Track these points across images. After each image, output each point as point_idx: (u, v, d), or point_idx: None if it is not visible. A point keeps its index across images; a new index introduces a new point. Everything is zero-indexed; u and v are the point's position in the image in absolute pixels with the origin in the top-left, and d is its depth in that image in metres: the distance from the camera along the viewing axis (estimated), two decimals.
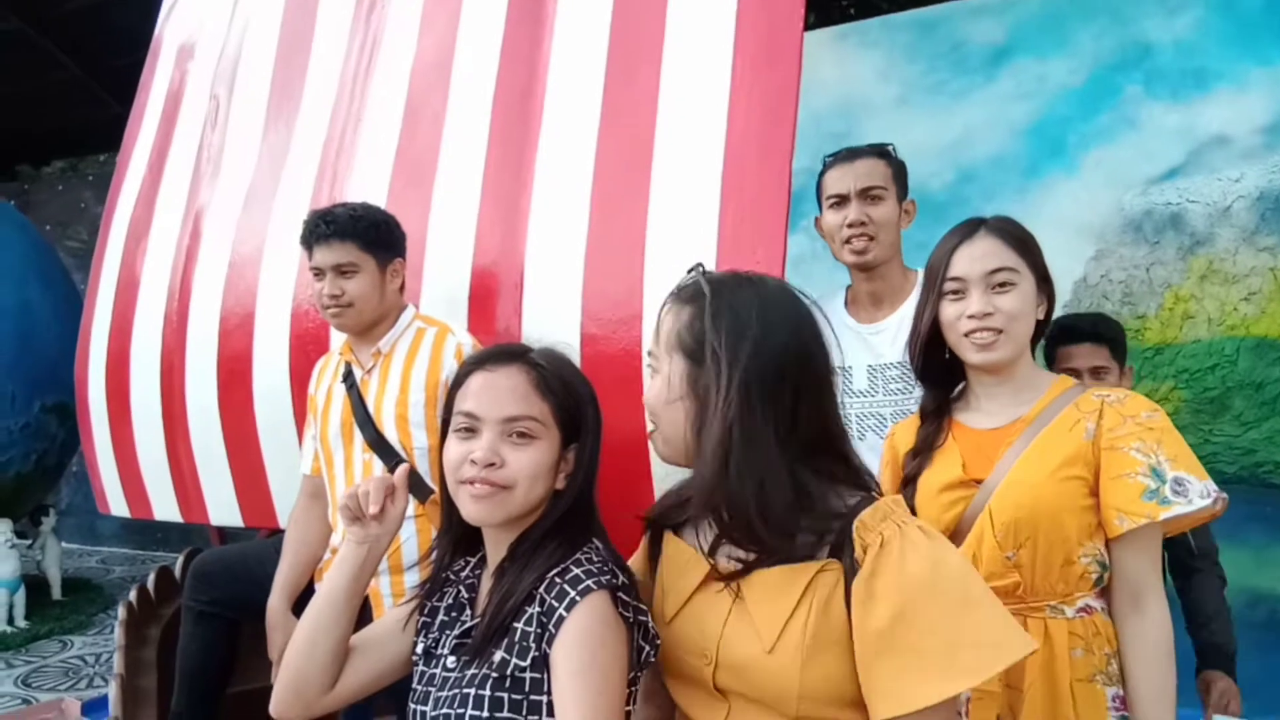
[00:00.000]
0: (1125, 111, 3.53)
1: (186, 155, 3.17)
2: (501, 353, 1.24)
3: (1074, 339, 2.20)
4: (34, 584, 5.17)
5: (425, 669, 1.22)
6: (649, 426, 1.18)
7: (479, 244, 2.38)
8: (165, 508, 2.95)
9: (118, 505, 3.25)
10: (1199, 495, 1.38)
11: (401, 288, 2.19)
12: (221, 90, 3.10)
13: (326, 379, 2.23)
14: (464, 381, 1.22)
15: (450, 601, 1.26)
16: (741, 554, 1.08)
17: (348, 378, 2.15)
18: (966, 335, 1.51)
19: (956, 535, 1.53)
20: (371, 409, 2.09)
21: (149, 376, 3.03)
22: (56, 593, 5.46)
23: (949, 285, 1.54)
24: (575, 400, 1.23)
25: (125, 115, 3.57)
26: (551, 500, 1.22)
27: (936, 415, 1.65)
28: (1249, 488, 3.26)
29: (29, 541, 5.41)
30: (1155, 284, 3.49)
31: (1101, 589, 1.50)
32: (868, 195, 2.07)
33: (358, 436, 2.11)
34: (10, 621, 4.93)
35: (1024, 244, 1.54)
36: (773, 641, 1.03)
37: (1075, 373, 2.13)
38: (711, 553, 1.11)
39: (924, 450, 1.63)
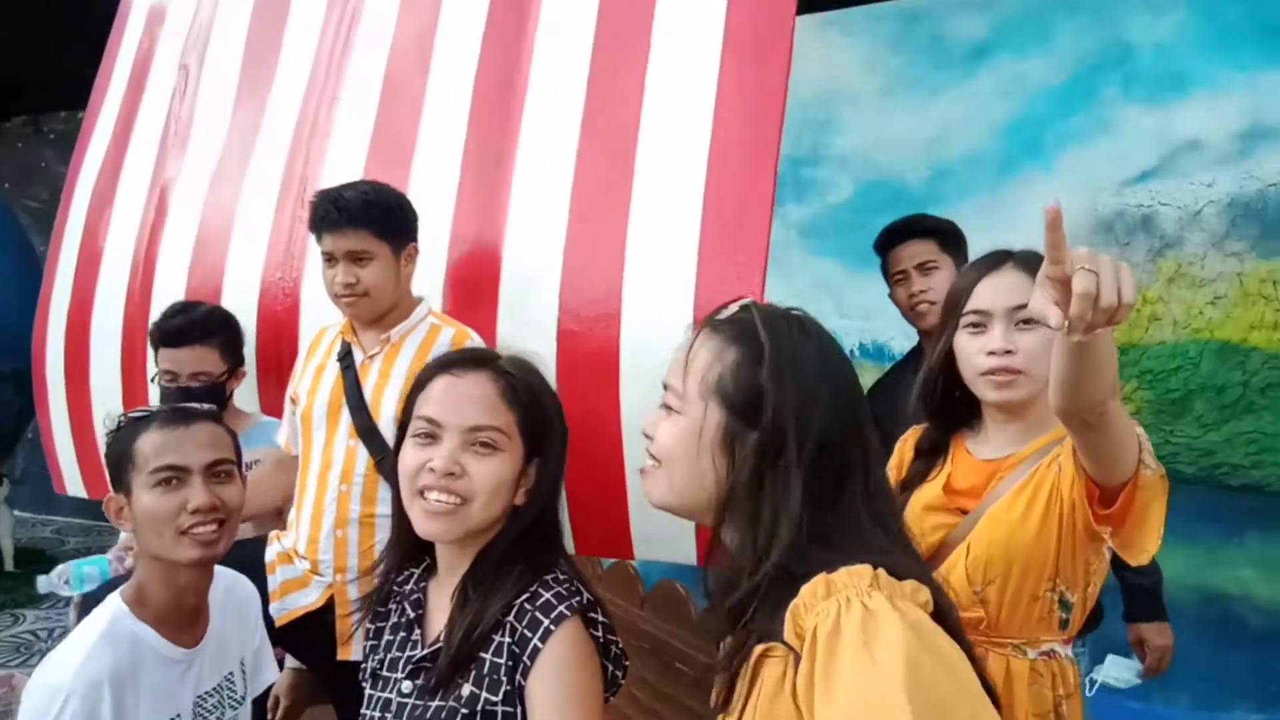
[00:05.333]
0: (1102, 113, 3.53)
1: (153, 126, 3.06)
2: (469, 357, 1.19)
3: (896, 239, 2.15)
4: None
5: (376, 693, 1.16)
6: (646, 462, 1.01)
7: (455, 233, 2.32)
8: None
9: (74, 485, 3.15)
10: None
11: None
12: (192, 60, 2.99)
13: (318, 355, 2.13)
14: (426, 384, 1.15)
15: (396, 619, 1.20)
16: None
17: (345, 358, 2.05)
18: (985, 373, 1.44)
19: (936, 559, 1.51)
20: (369, 396, 2.00)
21: (109, 353, 2.94)
22: (9, 564, 5.38)
23: (969, 318, 1.46)
24: (542, 413, 1.18)
25: (91, 73, 3.41)
26: (511, 517, 1.16)
27: (931, 454, 1.59)
28: (1206, 488, 3.32)
29: None
30: None
31: (1068, 636, 1.48)
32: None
33: (344, 419, 2.01)
34: None
35: None
36: None
37: (905, 275, 2.16)
38: None
39: (911, 485, 1.59)
